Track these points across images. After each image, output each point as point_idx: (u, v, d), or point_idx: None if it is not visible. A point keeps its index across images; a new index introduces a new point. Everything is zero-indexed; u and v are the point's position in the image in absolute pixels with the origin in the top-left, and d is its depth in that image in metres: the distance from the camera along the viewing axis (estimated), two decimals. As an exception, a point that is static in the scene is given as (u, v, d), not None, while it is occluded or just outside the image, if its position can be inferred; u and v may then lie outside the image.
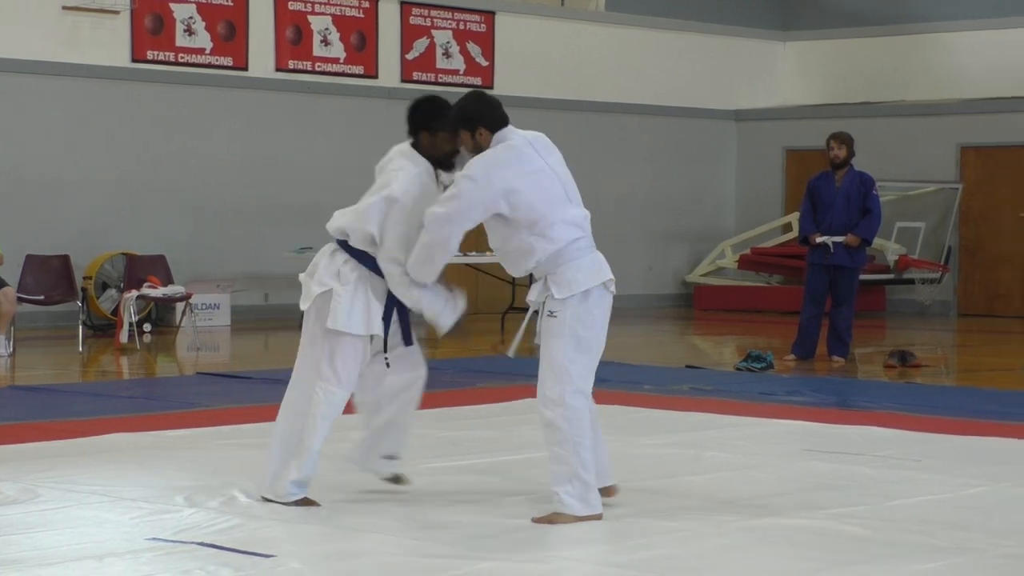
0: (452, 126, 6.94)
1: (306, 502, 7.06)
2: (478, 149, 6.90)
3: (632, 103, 22.14)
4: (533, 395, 11.64)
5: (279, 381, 12.24)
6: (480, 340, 17.27)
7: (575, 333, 6.75)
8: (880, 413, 10.51)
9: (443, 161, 7.12)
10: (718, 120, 23.33)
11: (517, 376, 12.86)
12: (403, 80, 20.32)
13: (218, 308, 18.15)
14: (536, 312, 6.87)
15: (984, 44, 22.16)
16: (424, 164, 7.09)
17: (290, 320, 18.51)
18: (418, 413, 10.52)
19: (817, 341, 14.54)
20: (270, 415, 10.13)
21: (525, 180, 6.74)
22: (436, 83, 20.52)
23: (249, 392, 11.67)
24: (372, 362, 7.18)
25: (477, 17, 20.98)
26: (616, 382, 12.55)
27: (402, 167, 7.07)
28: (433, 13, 20.59)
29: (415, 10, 20.42)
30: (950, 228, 21.47)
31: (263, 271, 19.10)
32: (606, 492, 7.07)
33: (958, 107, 21.95)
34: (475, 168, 6.74)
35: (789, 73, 24.08)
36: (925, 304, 21.30)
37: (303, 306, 7.16)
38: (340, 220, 7.15)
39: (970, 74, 22.19)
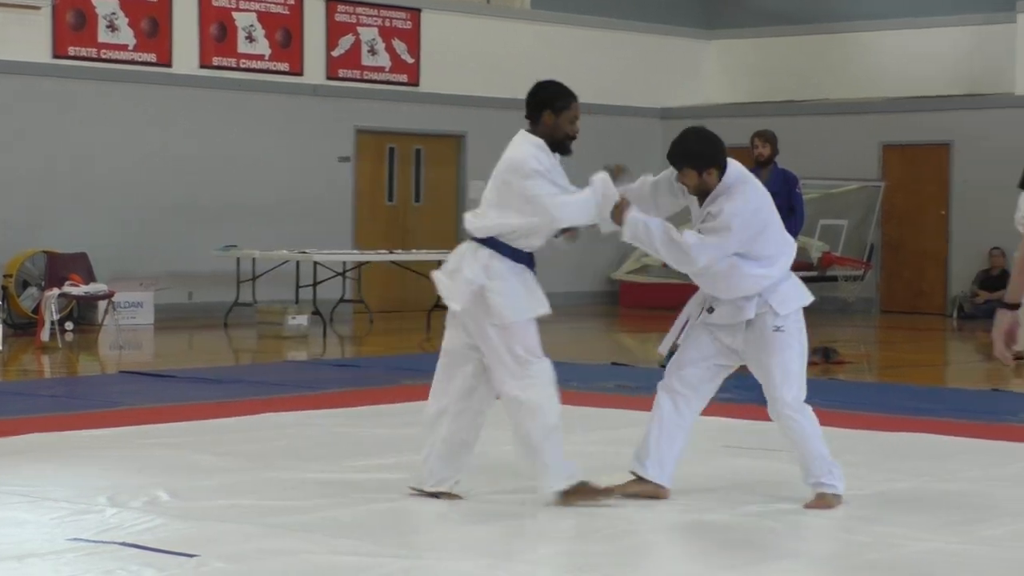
0: (680, 163, 7.17)
1: (585, 491, 7.03)
2: (701, 186, 7.18)
3: (558, 101, 22.12)
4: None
5: (203, 380, 12.22)
6: (407, 337, 17.25)
7: (800, 343, 7.23)
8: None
9: (561, 143, 7.30)
10: (644, 118, 23.40)
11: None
12: (328, 77, 20.25)
13: (141, 306, 18.01)
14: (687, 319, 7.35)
15: (905, 44, 22.34)
16: (539, 141, 7.23)
17: (214, 318, 18.42)
18: (344, 411, 10.53)
19: (741, 338, 14.59)
20: (194, 414, 10.11)
21: (768, 222, 7.19)
22: (362, 80, 20.47)
23: (172, 391, 11.59)
24: (476, 373, 7.23)
25: (403, 14, 20.94)
26: (542, 379, 12.56)
27: (516, 143, 7.26)
28: (359, 10, 20.53)
29: (340, 7, 20.36)
30: (873, 226, 21.63)
31: (187, 269, 18.98)
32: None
33: (880, 106, 22.12)
34: (740, 215, 7.04)
35: (714, 71, 24.19)
36: (848, 301, 21.45)
37: (456, 307, 7.14)
38: (476, 219, 7.18)
39: (892, 73, 22.36)
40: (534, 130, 7.29)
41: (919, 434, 9.54)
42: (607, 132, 22.93)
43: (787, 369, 7.17)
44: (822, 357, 13.97)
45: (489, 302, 7.02)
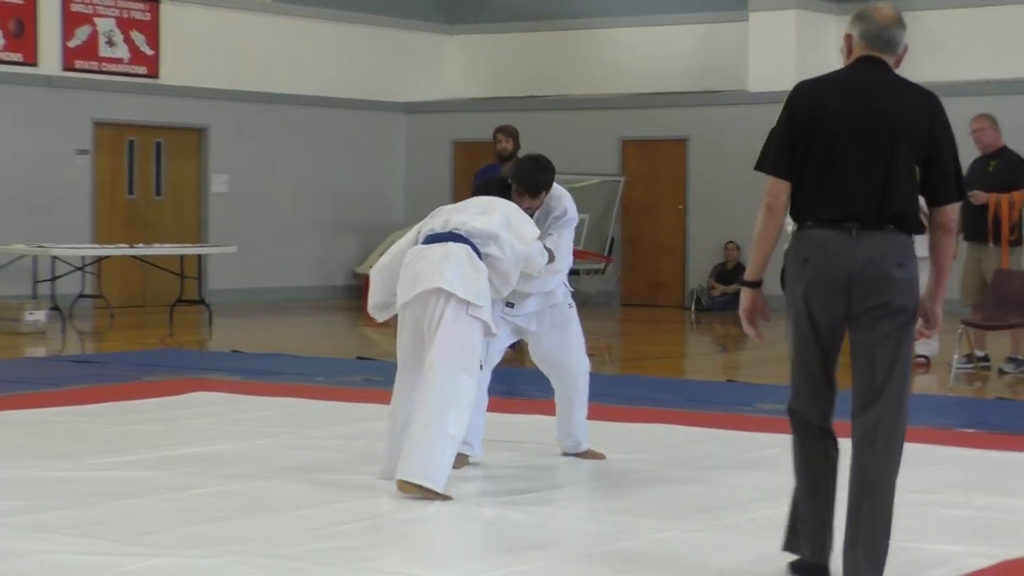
0: (540, 189, 8.11)
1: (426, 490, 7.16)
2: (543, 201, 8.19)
3: (301, 94, 22.05)
4: (202, 388, 11.52)
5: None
6: (149, 332, 17.00)
7: None
8: (545, 402, 10.72)
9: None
10: (387, 112, 23.42)
11: (185, 370, 12.71)
12: (65, 68, 19.81)
13: None
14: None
15: (642, 41, 22.77)
16: None
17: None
18: (85, 408, 10.35)
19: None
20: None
21: None
22: (100, 71, 20.07)
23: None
24: None
25: (141, 5, 20.59)
26: (288, 374, 12.52)
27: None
28: (96, 0, 20.13)
29: (77, -4, 19.94)
30: (613, 220, 22.00)
31: (-82, 264, 18.41)
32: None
33: (619, 101, 22.51)
34: (574, 208, 8.32)
35: (456, 66, 24.34)
36: (589, 295, 21.79)
37: (457, 290, 7.30)
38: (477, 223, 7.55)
39: (630, 70, 22.77)
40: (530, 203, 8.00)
41: (658, 424, 9.75)
42: (351, 126, 22.91)
43: (580, 338, 8.28)
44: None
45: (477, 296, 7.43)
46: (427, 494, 7.09)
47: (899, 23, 5.51)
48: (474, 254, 7.44)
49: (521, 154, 14.83)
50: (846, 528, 5.42)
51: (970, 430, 9.74)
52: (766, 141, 5.54)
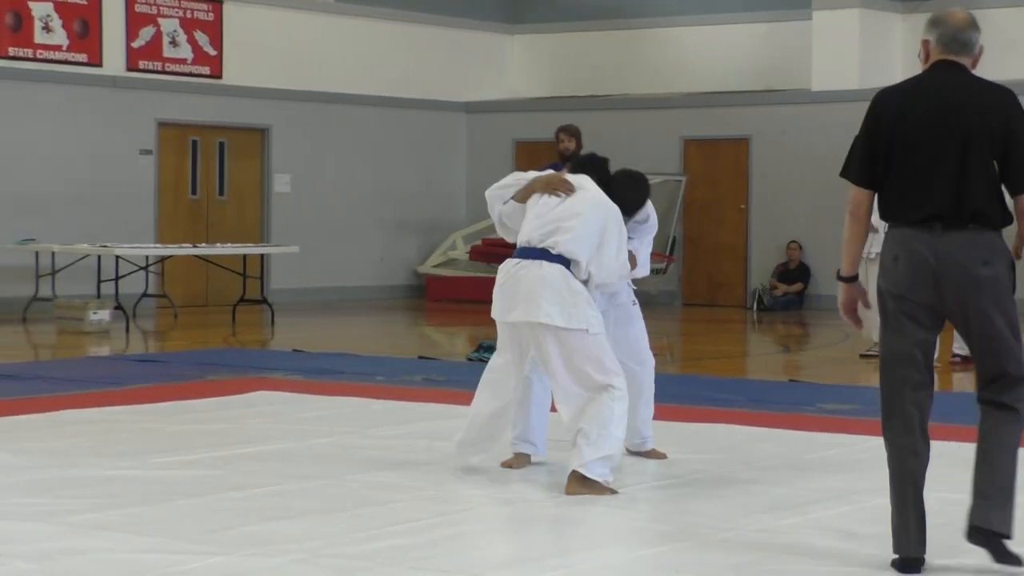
0: (639, 208, 8.26)
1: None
2: None
3: (363, 94, 22.11)
4: (264, 387, 11.55)
5: (0, 376, 11.97)
6: (211, 332, 17.08)
7: None
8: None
9: None
10: (449, 112, 23.44)
11: (248, 369, 12.76)
12: (129, 69, 19.94)
13: (-64, 302, 17.57)
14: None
15: (704, 39, 22.69)
16: None
17: (12, 313, 18.03)
18: (147, 407, 10.41)
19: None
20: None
21: None
22: (163, 72, 20.19)
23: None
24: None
25: (204, 6, 20.70)
26: (350, 373, 12.54)
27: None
28: (159, 1, 20.25)
29: (141, -3, 20.07)
30: (675, 219, 21.94)
31: (-17, 264, 18.57)
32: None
33: (680, 101, 22.44)
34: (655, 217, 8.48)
35: (517, 65, 24.33)
36: (652, 294, 21.74)
37: (558, 322, 7.37)
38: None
39: (692, 68, 22.71)
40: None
41: (720, 424, 9.71)
42: (412, 126, 22.95)
43: (644, 335, 8.36)
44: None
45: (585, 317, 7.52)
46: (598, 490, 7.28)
47: (973, 25, 5.67)
48: (568, 274, 7.47)
49: (583, 152, 14.82)
50: (974, 480, 5.49)
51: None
52: (850, 149, 5.71)
